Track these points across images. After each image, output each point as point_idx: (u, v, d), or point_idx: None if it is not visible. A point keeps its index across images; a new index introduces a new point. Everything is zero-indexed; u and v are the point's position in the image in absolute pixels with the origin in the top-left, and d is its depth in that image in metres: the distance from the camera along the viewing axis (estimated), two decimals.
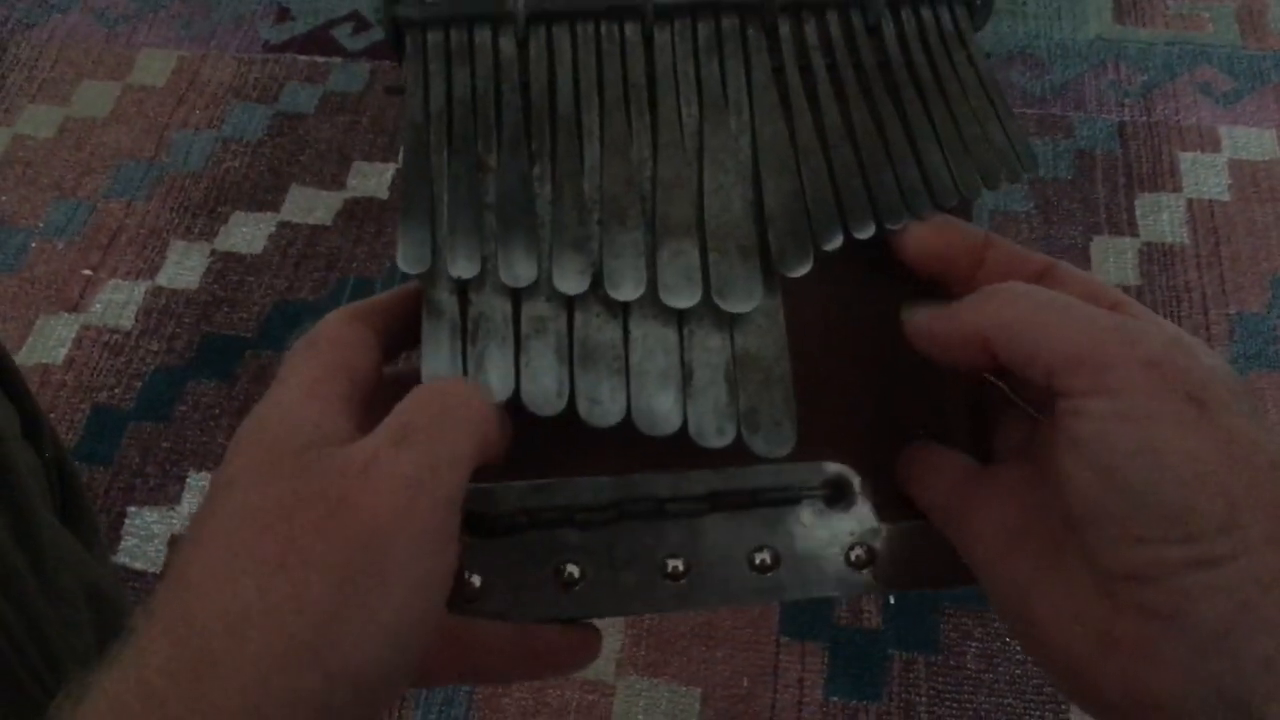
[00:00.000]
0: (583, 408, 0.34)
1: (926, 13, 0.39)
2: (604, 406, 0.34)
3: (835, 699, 0.94)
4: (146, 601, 0.28)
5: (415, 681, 0.34)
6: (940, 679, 0.95)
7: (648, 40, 0.38)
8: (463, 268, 0.35)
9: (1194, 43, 1.37)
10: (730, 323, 0.35)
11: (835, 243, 0.35)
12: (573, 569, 0.35)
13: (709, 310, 0.35)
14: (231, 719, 0.25)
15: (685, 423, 0.34)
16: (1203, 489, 0.27)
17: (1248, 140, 1.27)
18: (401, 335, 0.36)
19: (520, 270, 0.35)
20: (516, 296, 0.35)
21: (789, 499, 0.36)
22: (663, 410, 0.34)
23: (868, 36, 0.39)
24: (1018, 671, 0.94)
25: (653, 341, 0.35)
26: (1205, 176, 1.25)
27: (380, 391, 0.34)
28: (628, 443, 0.34)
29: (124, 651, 0.27)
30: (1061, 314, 0.30)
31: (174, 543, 1.06)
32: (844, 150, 0.37)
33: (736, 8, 0.38)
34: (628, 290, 0.35)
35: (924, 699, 0.94)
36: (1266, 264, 1.17)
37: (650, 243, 0.35)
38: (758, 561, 0.36)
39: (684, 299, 0.35)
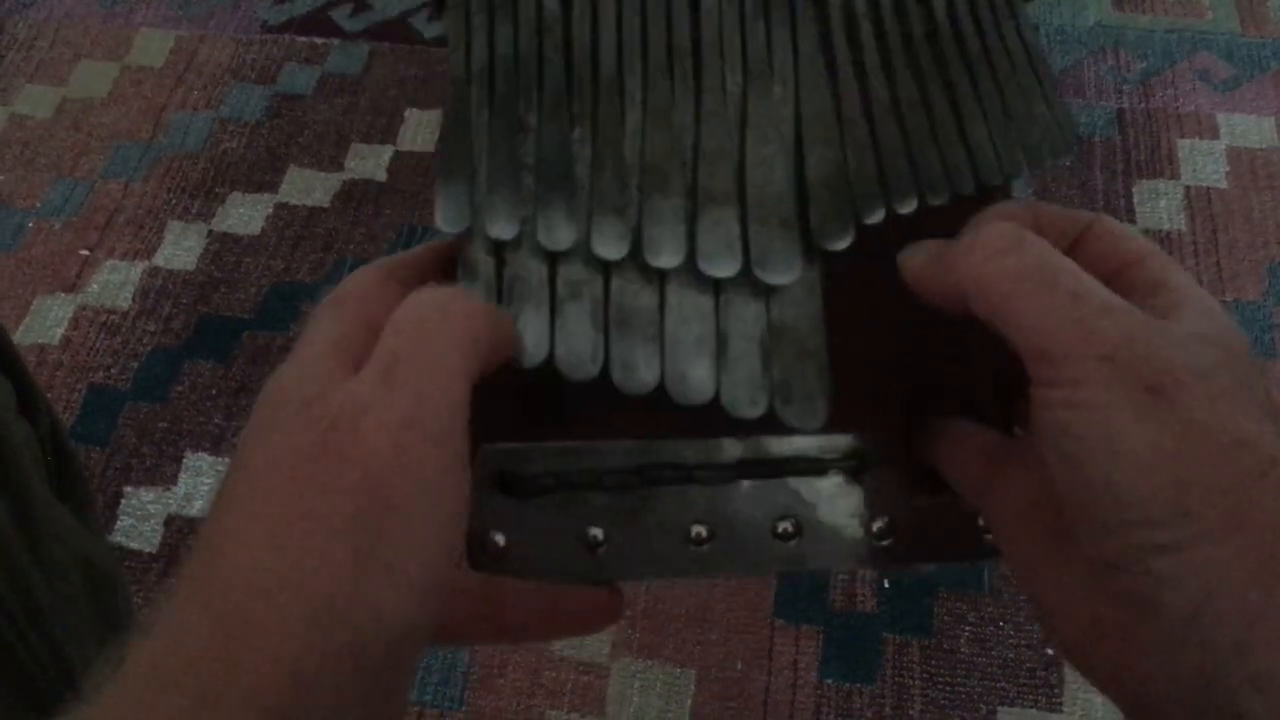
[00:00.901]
0: (617, 374, 0.34)
1: None
2: (638, 373, 0.34)
3: (829, 682, 0.95)
4: (180, 567, 0.28)
5: (444, 639, 0.34)
6: (934, 662, 0.95)
7: (693, 3, 0.37)
8: (501, 229, 0.34)
9: (1193, 30, 1.37)
10: (767, 293, 0.35)
11: (877, 217, 0.35)
12: (597, 532, 0.35)
13: (747, 280, 0.35)
14: (269, 679, 0.25)
15: (718, 392, 0.34)
16: (1153, 475, 0.27)
17: (1246, 128, 1.27)
18: None
19: (560, 234, 0.34)
20: (553, 259, 0.35)
21: (815, 469, 0.36)
22: (697, 379, 0.34)
23: (916, 5, 0.38)
24: (1011, 655, 0.95)
25: (689, 309, 0.34)
26: (1203, 164, 1.25)
27: None
28: (657, 408, 0.34)
29: (159, 620, 0.27)
30: (1031, 292, 0.30)
31: (170, 523, 1.06)
32: (889, 124, 0.36)
33: None
34: (667, 257, 0.34)
35: (918, 682, 0.94)
36: (1263, 252, 1.18)
37: (691, 211, 0.35)
38: (780, 530, 0.36)
39: (724, 268, 0.34)
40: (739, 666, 0.96)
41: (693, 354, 0.34)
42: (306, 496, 0.27)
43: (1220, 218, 1.20)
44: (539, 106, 0.36)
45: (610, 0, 0.37)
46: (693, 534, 0.35)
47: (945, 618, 0.97)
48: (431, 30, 1.42)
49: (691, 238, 0.34)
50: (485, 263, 0.35)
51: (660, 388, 0.34)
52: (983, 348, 0.37)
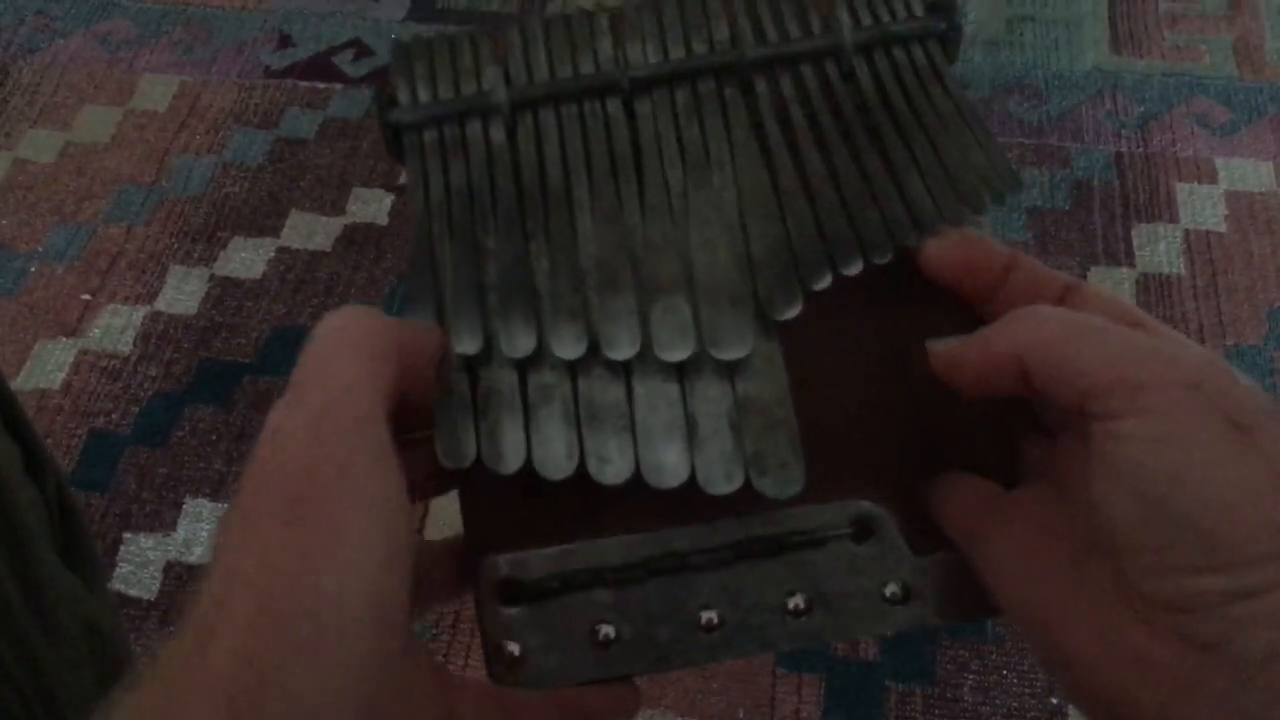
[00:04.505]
0: (593, 467, 0.35)
1: (899, 53, 0.40)
2: (613, 464, 0.35)
3: None
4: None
5: None
6: (937, 711, 0.94)
7: (629, 112, 0.39)
8: (466, 344, 0.36)
9: (1191, 74, 1.38)
10: (730, 372, 0.36)
11: (824, 282, 0.36)
12: (608, 629, 0.36)
13: (708, 361, 0.36)
14: (232, 672, 0.26)
15: (694, 473, 0.35)
16: (1244, 518, 0.27)
17: (1244, 172, 1.28)
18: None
19: (520, 341, 0.36)
20: (522, 368, 0.36)
21: (815, 541, 0.36)
22: (670, 462, 0.35)
23: (843, 83, 0.39)
24: (1014, 704, 0.94)
25: (655, 397, 0.36)
26: (1202, 207, 1.25)
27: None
28: (653, 501, 0.35)
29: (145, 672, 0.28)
30: (1096, 335, 0.30)
31: (169, 569, 1.05)
32: (826, 192, 0.37)
33: (712, 71, 0.39)
34: (623, 349, 0.36)
35: None
36: (1263, 296, 1.18)
37: (642, 302, 0.36)
38: (792, 606, 0.36)
39: (678, 352, 0.36)
40: (741, 715, 0.95)
41: (664, 439, 0.35)
42: (248, 516, 0.29)
43: (1220, 262, 1.21)
44: (495, 229, 0.37)
45: (551, 122, 0.39)
46: (703, 620, 0.36)
47: (948, 666, 0.96)
48: None
49: (645, 328, 0.36)
50: (459, 379, 0.36)
51: (638, 476, 0.35)
52: (982, 402, 0.37)
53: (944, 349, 0.34)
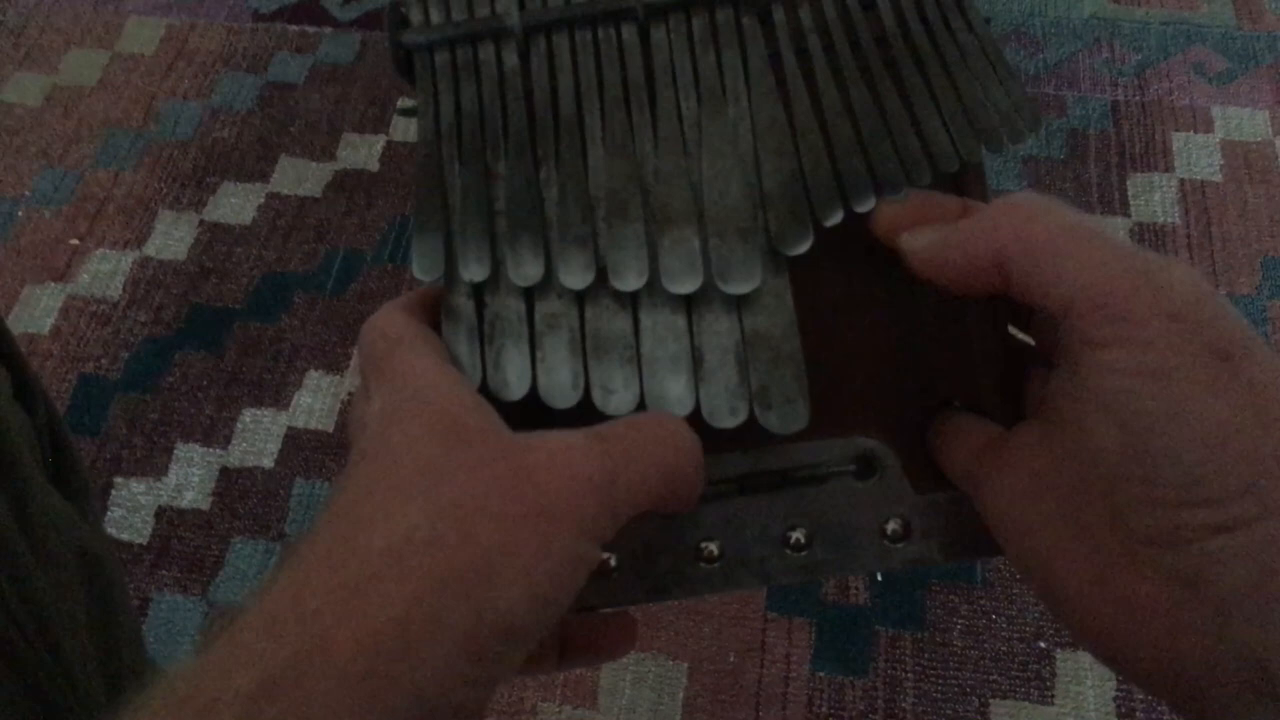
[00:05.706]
0: (597, 397, 0.35)
1: None
2: (618, 395, 0.35)
3: (822, 674, 0.95)
4: (302, 534, 0.29)
5: None
6: (926, 655, 0.95)
7: (644, 39, 0.38)
8: (474, 270, 0.36)
9: (1188, 23, 1.37)
10: (738, 305, 0.36)
11: (835, 218, 0.36)
12: (610, 558, 0.36)
13: (716, 294, 0.36)
14: (379, 634, 0.26)
15: (699, 406, 0.35)
16: (1225, 451, 0.26)
17: (1240, 121, 1.27)
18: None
19: (528, 269, 0.36)
20: (530, 296, 0.36)
21: (819, 476, 0.36)
22: (675, 394, 0.35)
23: (863, 14, 0.38)
24: (1003, 648, 0.95)
25: (662, 329, 0.36)
26: (1198, 157, 1.25)
27: None
28: None
29: (279, 576, 0.27)
30: (1085, 242, 0.29)
31: (161, 514, 1.05)
32: (842, 127, 0.37)
33: (729, 0, 0.38)
34: (631, 280, 0.35)
35: (910, 675, 0.94)
36: (1257, 245, 1.18)
37: (652, 233, 0.36)
38: (792, 540, 0.36)
39: (686, 284, 0.35)
40: (731, 659, 0.96)
41: (669, 371, 0.35)
42: (479, 490, 0.28)
43: (1214, 211, 1.20)
44: (505, 154, 0.37)
45: (565, 46, 0.38)
46: (704, 552, 0.36)
47: (937, 610, 0.97)
48: None
49: (654, 259, 0.35)
50: (466, 306, 0.36)
51: (643, 408, 0.35)
52: (983, 338, 0.37)
53: (922, 247, 0.33)
